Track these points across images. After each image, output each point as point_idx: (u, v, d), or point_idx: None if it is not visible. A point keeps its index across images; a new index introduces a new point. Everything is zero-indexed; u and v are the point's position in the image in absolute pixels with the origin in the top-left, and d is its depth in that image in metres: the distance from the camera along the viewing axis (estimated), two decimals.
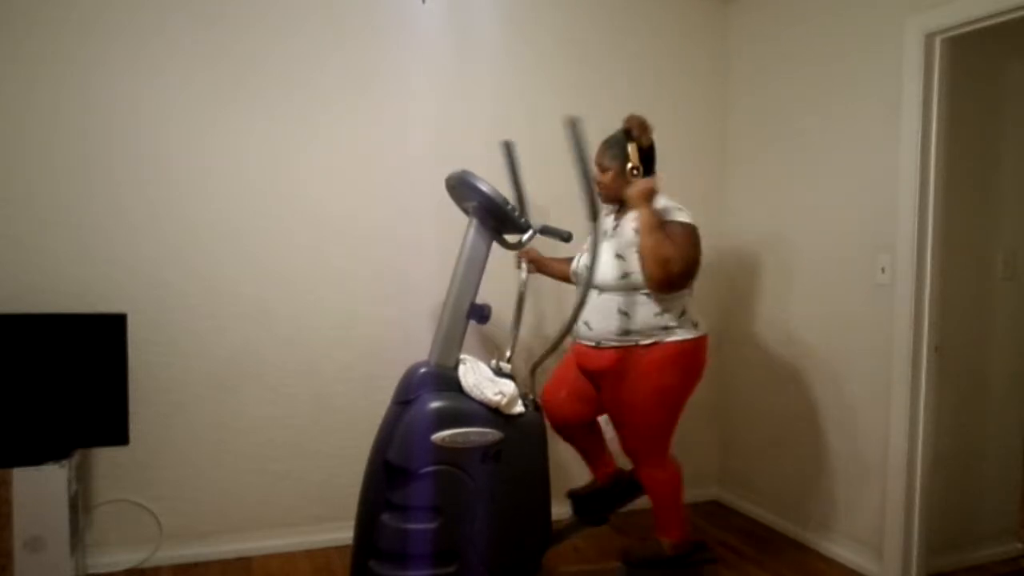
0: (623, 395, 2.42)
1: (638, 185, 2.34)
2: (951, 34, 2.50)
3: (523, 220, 2.23)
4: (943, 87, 2.55)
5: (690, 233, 2.36)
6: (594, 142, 2.54)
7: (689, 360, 2.42)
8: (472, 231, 2.26)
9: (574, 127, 2.08)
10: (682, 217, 2.38)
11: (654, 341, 2.38)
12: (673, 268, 2.28)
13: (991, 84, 2.80)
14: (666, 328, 2.38)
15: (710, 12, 3.50)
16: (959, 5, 2.41)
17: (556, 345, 2.27)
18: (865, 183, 2.78)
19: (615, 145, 2.47)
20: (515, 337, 2.57)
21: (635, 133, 2.44)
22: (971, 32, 2.45)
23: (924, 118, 2.54)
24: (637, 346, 2.38)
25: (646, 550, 2.54)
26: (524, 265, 2.74)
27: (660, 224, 2.31)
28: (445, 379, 2.18)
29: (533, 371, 2.35)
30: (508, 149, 2.52)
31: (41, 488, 2.30)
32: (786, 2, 3.17)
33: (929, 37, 2.53)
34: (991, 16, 2.35)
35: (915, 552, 2.63)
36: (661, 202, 2.41)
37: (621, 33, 3.33)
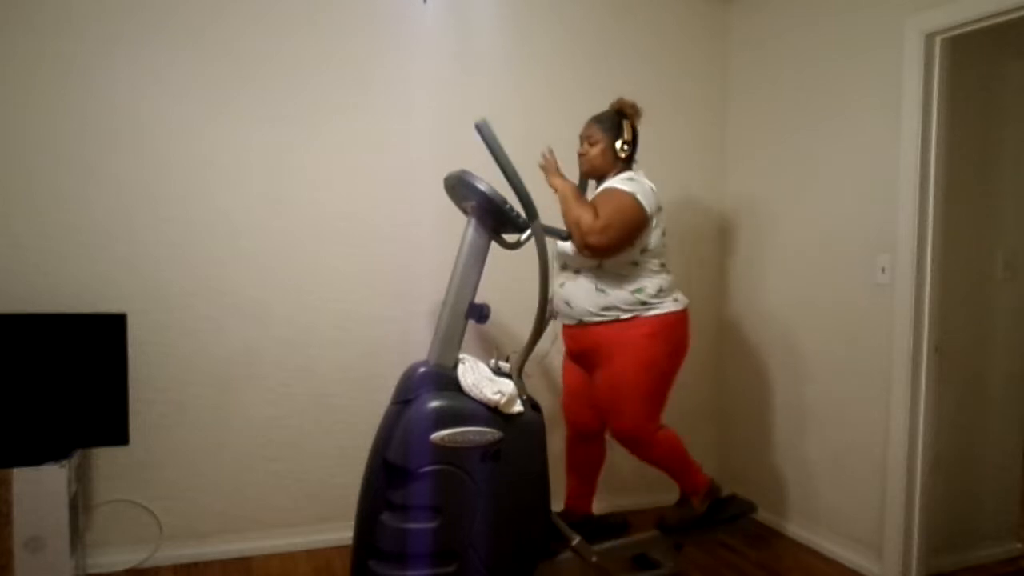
0: (612, 372, 2.46)
1: (549, 167, 2.56)
2: (951, 34, 2.50)
3: (521, 220, 2.23)
4: (943, 87, 2.55)
5: (619, 198, 2.41)
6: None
7: (672, 332, 2.49)
8: (471, 230, 2.26)
9: (484, 128, 2.11)
10: (619, 186, 2.44)
11: (634, 315, 2.45)
12: (586, 231, 2.36)
13: (991, 84, 2.79)
14: (644, 304, 2.46)
15: (710, 12, 3.50)
16: (959, 5, 2.41)
17: (533, 343, 2.26)
18: (865, 183, 2.78)
19: (607, 120, 2.56)
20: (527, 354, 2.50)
21: (628, 112, 2.56)
22: (971, 32, 2.45)
23: (924, 118, 2.54)
24: (618, 320, 2.45)
25: (678, 513, 2.61)
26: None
27: (576, 195, 2.46)
28: (444, 379, 2.18)
29: (519, 373, 2.32)
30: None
31: (41, 488, 2.30)
32: (786, 2, 3.17)
33: (929, 37, 2.53)
34: (991, 16, 2.35)
35: (915, 552, 2.63)
36: (621, 174, 2.51)
37: (621, 33, 3.33)
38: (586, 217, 2.37)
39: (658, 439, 2.51)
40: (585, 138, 2.59)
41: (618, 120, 2.54)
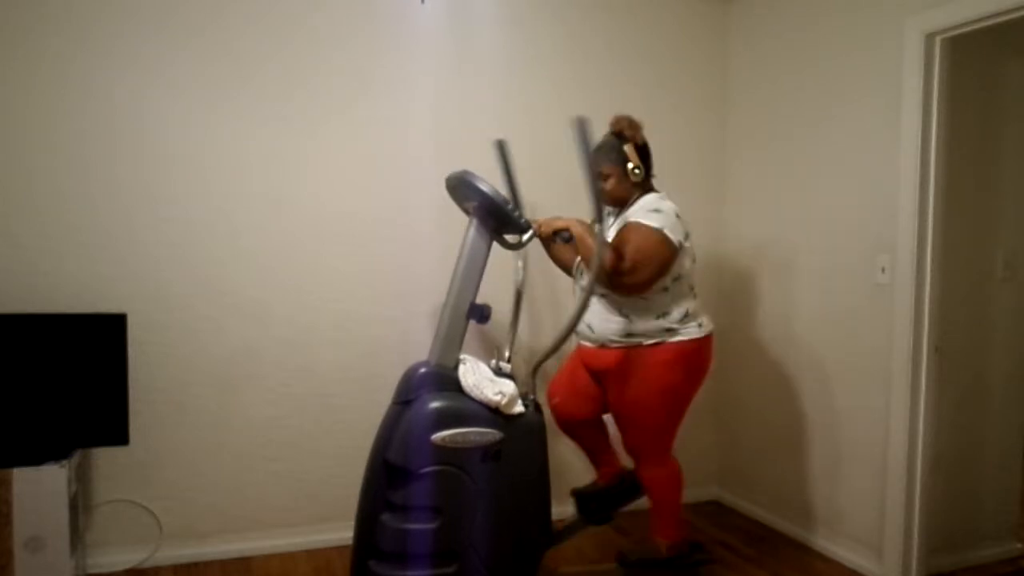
0: (627, 394, 2.44)
1: (544, 227, 2.38)
2: (951, 34, 2.50)
3: (523, 220, 2.23)
4: (943, 87, 2.55)
5: (644, 235, 2.32)
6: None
7: (693, 360, 2.45)
8: (472, 231, 2.26)
9: (583, 127, 2.07)
10: (645, 220, 2.36)
11: (658, 341, 2.41)
12: (612, 274, 2.30)
13: (991, 84, 2.79)
14: (669, 330, 2.41)
15: (710, 12, 3.50)
16: (959, 5, 2.41)
17: (557, 347, 2.26)
18: (865, 183, 2.78)
19: (611, 150, 2.46)
20: (513, 335, 2.57)
21: (628, 134, 2.45)
22: (971, 32, 2.45)
23: (924, 118, 2.54)
24: (641, 346, 2.41)
25: (642, 551, 2.56)
26: (522, 263, 2.68)
27: (589, 232, 2.35)
28: (445, 379, 2.18)
29: (534, 372, 2.35)
30: (502, 149, 2.48)
31: (41, 488, 2.30)
32: (786, 2, 3.17)
33: (929, 37, 2.53)
34: (991, 16, 2.35)
35: (915, 552, 2.63)
36: (645, 201, 2.44)
37: (621, 33, 3.33)
38: (608, 258, 2.28)
39: (667, 462, 2.52)
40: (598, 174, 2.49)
41: (619, 145, 2.45)
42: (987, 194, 2.83)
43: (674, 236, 2.36)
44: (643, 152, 2.48)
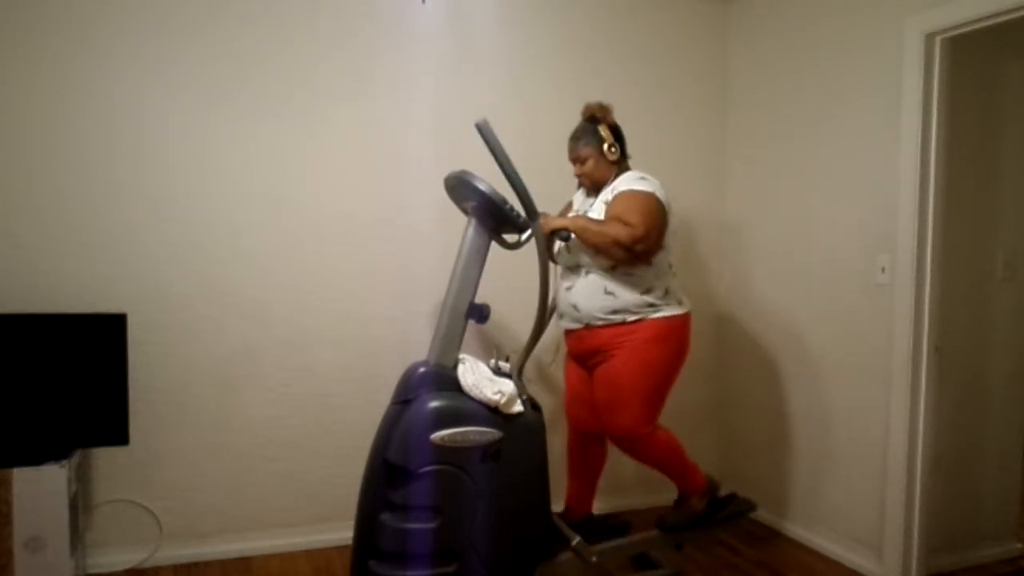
0: (613, 369, 2.47)
1: (547, 225, 2.39)
2: (951, 34, 2.50)
3: (522, 220, 2.23)
4: (943, 87, 2.55)
5: (644, 200, 2.41)
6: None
7: (675, 335, 2.50)
8: (471, 231, 2.26)
9: (485, 128, 2.09)
10: (635, 187, 2.44)
11: (640, 317, 2.46)
12: (630, 243, 2.35)
13: (991, 84, 2.79)
14: (652, 305, 2.47)
15: (710, 12, 3.50)
16: (959, 5, 2.41)
17: (536, 338, 2.26)
18: (865, 183, 2.78)
19: (585, 133, 2.57)
20: (528, 353, 2.42)
21: (599, 115, 2.56)
22: (971, 32, 2.45)
23: (924, 118, 2.54)
24: (624, 323, 2.46)
25: (680, 514, 2.62)
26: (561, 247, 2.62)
27: (588, 220, 2.43)
28: (444, 379, 2.19)
29: (519, 372, 2.32)
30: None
31: (41, 488, 2.30)
32: (786, 2, 3.17)
33: (929, 37, 2.53)
34: (991, 16, 2.35)
35: (915, 552, 2.63)
36: (626, 176, 2.51)
37: (621, 33, 3.33)
38: (621, 231, 2.35)
39: (654, 440, 2.51)
40: (575, 160, 2.61)
41: (593, 128, 2.55)
42: (987, 194, 2.83)
43: (664, 199, 2.47)
44: (616, 133, 2.58)
